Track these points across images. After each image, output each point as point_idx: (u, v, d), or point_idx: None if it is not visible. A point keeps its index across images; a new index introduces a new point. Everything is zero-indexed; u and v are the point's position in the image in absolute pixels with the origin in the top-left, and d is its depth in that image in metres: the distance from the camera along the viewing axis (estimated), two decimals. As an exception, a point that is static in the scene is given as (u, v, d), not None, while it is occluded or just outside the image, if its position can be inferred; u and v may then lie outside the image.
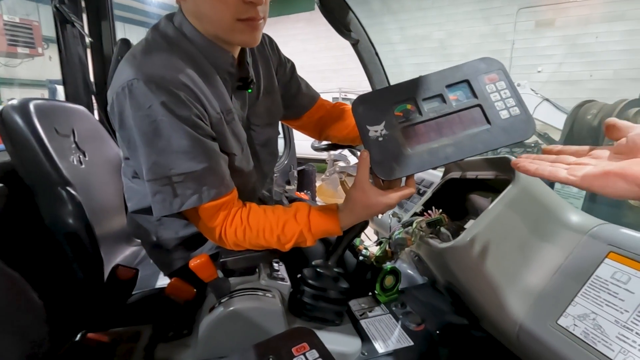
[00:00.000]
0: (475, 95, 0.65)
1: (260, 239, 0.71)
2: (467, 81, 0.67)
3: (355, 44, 1.50)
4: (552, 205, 0.70)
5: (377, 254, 0.93)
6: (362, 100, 0.68)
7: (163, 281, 1.06)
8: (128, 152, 0.72)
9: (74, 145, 1.03)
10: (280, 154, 2.43)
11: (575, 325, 0.57)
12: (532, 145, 6.13)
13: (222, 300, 0.70)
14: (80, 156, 1.04)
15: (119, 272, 0.82)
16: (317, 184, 4.07)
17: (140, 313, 0.84)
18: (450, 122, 0.64)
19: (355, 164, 1.45)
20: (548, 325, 0.60)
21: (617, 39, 6.97)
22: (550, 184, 0.79)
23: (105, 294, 0.82)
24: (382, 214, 0.71)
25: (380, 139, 0.63)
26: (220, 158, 0.71)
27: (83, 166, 1.04)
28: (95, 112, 1.34)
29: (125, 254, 1.16)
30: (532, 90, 4.73)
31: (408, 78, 0.70)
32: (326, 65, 10.04)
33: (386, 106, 0.66)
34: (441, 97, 0.66)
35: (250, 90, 0.83)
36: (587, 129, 1.39)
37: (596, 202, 1.24)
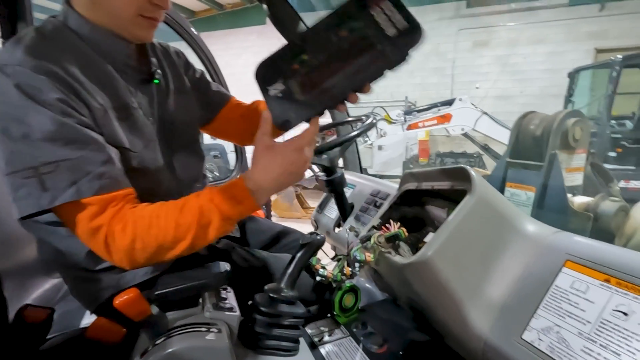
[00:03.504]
0: (363, 24, 0.60)
1: (153, 229, 0.59)
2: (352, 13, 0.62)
3: (306, 54, 1.47)
4: (508, 214, 0.70)
5: (335, 273, 0.88)
6: (262, 64, 0.64)
7: (91, 319, 0.91)
8: None
9: (-26, 162, 0.85)
10: (232, 167, 2.33)
11: (540, 339, 0.55)
12: (475, 155, 6.56)
13: (157, 342, 0.59)
14: (-16, 174, 0.87)
15: (27, 314, 0.67)
16: (272, 197, 3.96)
17: (57, 361, 0.70)
18: (340, 57, 0.60)
19: (311, 176, 1.40)
20: (513, 341, 0.58)
21: (541, 59, 7.80)
22: (500, 191, 0.79)
23: (10, 340, 0.67)
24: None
25: (280, 94, 0.62)
26: (105, 149, 0.60)
27: (-13, 186, 0.87)
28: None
29: (44, 287, 0.99)
30: (472, 104, 5.08)
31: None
32: (278, 79, 10.02)
33: (284, 62, 0.63)
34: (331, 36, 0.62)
35: (157, 81, 0.76)
36: (530, 138, 1.48)
37: (543, 209, 1.30)
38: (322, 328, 0.88)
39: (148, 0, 0.63)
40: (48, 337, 0.73)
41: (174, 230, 0.60)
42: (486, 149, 5.26)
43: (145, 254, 0.60)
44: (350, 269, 0.82)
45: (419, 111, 5.66)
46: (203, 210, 0.61)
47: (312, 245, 0.77)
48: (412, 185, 0.95)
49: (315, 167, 1.59)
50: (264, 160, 0.62)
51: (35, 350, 0.70)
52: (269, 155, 0.62)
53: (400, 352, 0.80)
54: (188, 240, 0.61)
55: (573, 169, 1.39)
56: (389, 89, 9.01)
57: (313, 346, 0.81)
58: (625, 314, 0.49)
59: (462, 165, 0.73)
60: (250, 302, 0.76)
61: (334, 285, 0.88)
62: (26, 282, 0.95)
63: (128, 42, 0.69)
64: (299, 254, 0.76)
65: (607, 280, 0.53)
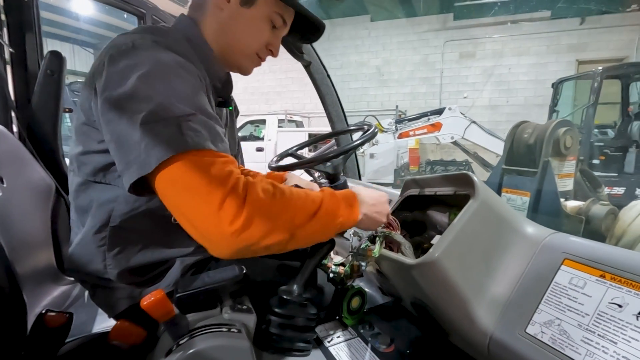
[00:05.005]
0: None
1: (294, 197, 0.59)
2: None
3: (307, 66, 1.52)
4: (509, 217, 0.74)
5: (346, 268, 0.91)
6: None
7: (101, 325, 0.92)
8: (107, 116, 0.58)
9: (-13, 170, 0.87)
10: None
11: (542, 332, 0.59)
12: (464, 163, 6.70)
13: (181, 342, 0.62)
14: (-4, 182, 0.89)
15: (48, 319, 0.69)
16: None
17: (75, 365, 0.71)
18: None
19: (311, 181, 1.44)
20: (517, 334, 0.62)
21: (524, 70, 8.05)
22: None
23: (30, 345, 0.68)
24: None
25: None
26: (221, 127, 0.63)
27: (0, 194, 0.88)
28: (15, 130, 1.17)
29: (52, 295, 1.00)
30: (462, 113, 5.21)
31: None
32: (270, 88, 10.10)
33: None
34: None
35: (231, 108, 0.86)
36: (524, 146, 1.55)
37: (538, 212, 1.37)
38: (330, 330, 0.91)
39: (266, 45, 0.78)
40: (66, 341, 0.74)
41: (304, 202, 0.60)
42: (476, 157, 5.39)
43: (270, 220, 0.55)
44: (358, 263, 0.85)
45: (409, 120, 5.77)
46: (325, 198, 0.63)
47: (323, 248, 0.81)
48: (414, 191, 0.99)
49: (316, 174, 1.63)
50: (366, 192, 0.75)
51: (55, 354, 0.71)
52: (370, 191, 0.76)
53: (408, 351, 0.83)
54: (311, 221, 0.60)
55: (564, 175, 1.47)
56: (380, 98, 9.17)
57: (324, 347, 0.84)
58: (619, 305, 0.54)
59: (465, 172, 0.78)
60: (263, 305, 0.78)
61: (346, 281, 0.91)
62: (35, 289, 0.95)
63: (225, 68, 0.79)
64: (311, 257, 0.80)
65: (603, 276, 0.58)
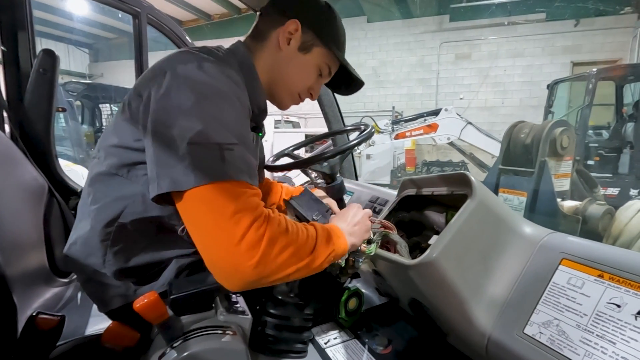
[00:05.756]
0: None
1: (301, 231, 0.62)
2: None
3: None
4: (506, 217, 0.74)
5: (342, 263, 0.90)
6: None
7: (94, 327, 0.90)
8: (156, 122, 0.60)
9: (-23, 170, 0.85)
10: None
11: (541, 332, 0.59)
12: (460, 164, 6.72)
13: (175, 344, 0.60)
14: (-13, 183, 0.87)
15: (39, 321, 0.67)
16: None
17: (67, 368, 0.70)
18: None
19: (308, 182, 1.43)
20: (516, 335, 0.61)
21: (520, 72, 8.09)
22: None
23: (21, 348, 0.67)
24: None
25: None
26: (256, 159, 0.66)
27: (-10, 194, 0.86)
28: (7, 129, 1.15)
29: (44, 297, 0.98)
30: (458, 114, 5.22)
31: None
32: (266, 89, 10.07)
33: None
34: None
35: (261, 134, 0.89)
36: (521, 146, 1.55)
37: (535, 212, 1.37)
38: (327, 331, 0.90)
39: (308, 89, 0.85)
40: (57, 344, 0.73)
41: (305, 238, 0.62)
42: (472, 157, 5.40)
43: (282, 256, 0.57)
44: (353, 258, 0.85)
45: (406, 121, 5.78)
46: (318, 231, 0.65)
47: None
48: (411, 191, 0.99)
49: (313, 175, 1.62)
50: (340, 214, 0.78)
51: (46, 357, 0.69)
52: (343, 211, 0.79)
53: (405, 352, 0.82)
54: (311, 256, 0.62)
55: (561, 175, 1.48)
56: (376, 99, 9.18)
57: (320, 348, 0.83)
58: (618, 305, 0.54)
59: (463, 172, 0.77)
60: (258, 307, 0.78)
61: (342, 277, 0.90)
62: (27, 291, 0.93)
63: (265, 98, 0.83)
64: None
65: (601, 276, 0.58)
